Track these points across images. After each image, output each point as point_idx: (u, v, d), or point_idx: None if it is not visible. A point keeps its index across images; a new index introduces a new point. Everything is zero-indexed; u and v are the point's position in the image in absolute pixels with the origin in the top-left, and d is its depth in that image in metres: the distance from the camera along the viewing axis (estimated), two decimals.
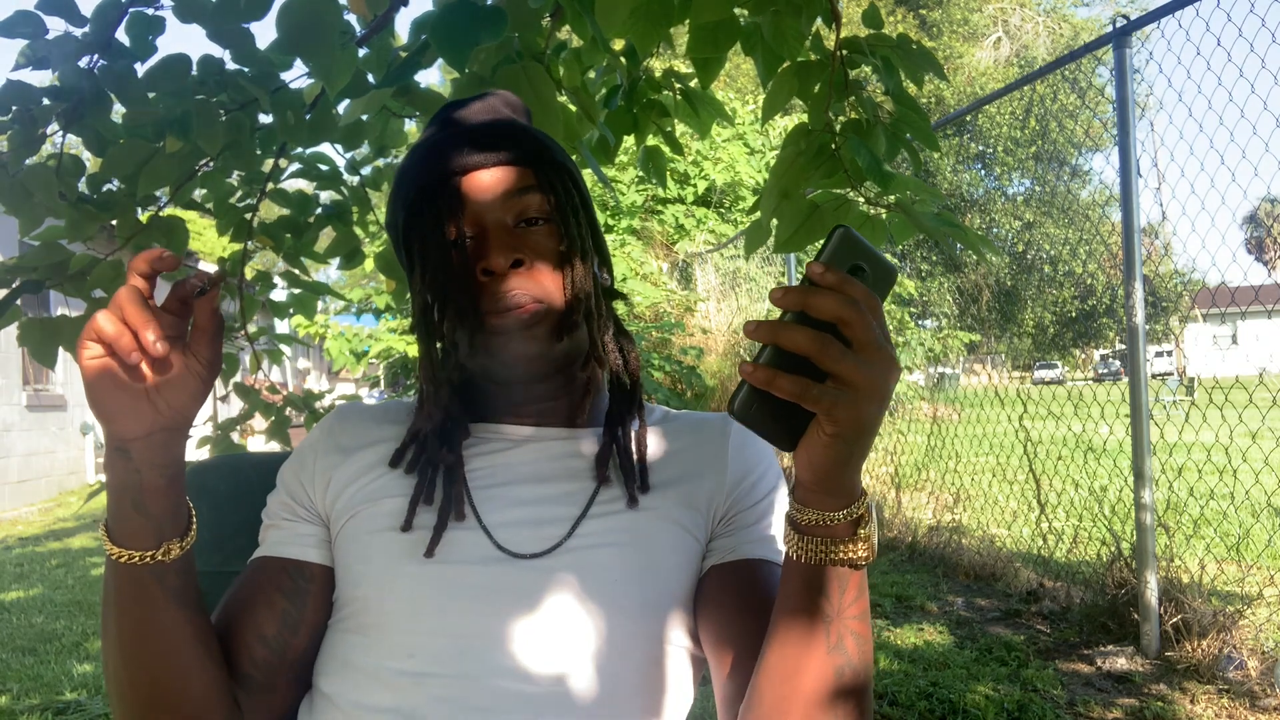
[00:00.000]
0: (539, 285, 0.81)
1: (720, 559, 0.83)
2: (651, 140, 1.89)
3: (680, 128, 1.96)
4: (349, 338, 9.48)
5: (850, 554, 0.65)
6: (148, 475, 0.69)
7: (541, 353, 0.81)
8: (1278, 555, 4.65)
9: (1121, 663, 3.27)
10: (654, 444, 0.90)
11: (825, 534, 0.65)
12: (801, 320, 0.59)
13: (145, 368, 0.66)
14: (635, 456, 0.86)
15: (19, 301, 1.48)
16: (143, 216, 1.61)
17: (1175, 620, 3.27)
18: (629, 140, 1.89)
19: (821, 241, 1.36)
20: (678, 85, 1.81)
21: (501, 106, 0.92)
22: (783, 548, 0.70)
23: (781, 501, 0.87)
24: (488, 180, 0.82)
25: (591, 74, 1.81)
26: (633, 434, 0.88)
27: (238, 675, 0.81)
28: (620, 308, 0.97)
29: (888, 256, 0.62)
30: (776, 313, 0.61)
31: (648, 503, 0.84)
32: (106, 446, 0.69)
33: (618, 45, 1.70)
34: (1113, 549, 3.70)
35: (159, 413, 0.68)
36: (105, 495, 0.72)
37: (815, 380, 0.58)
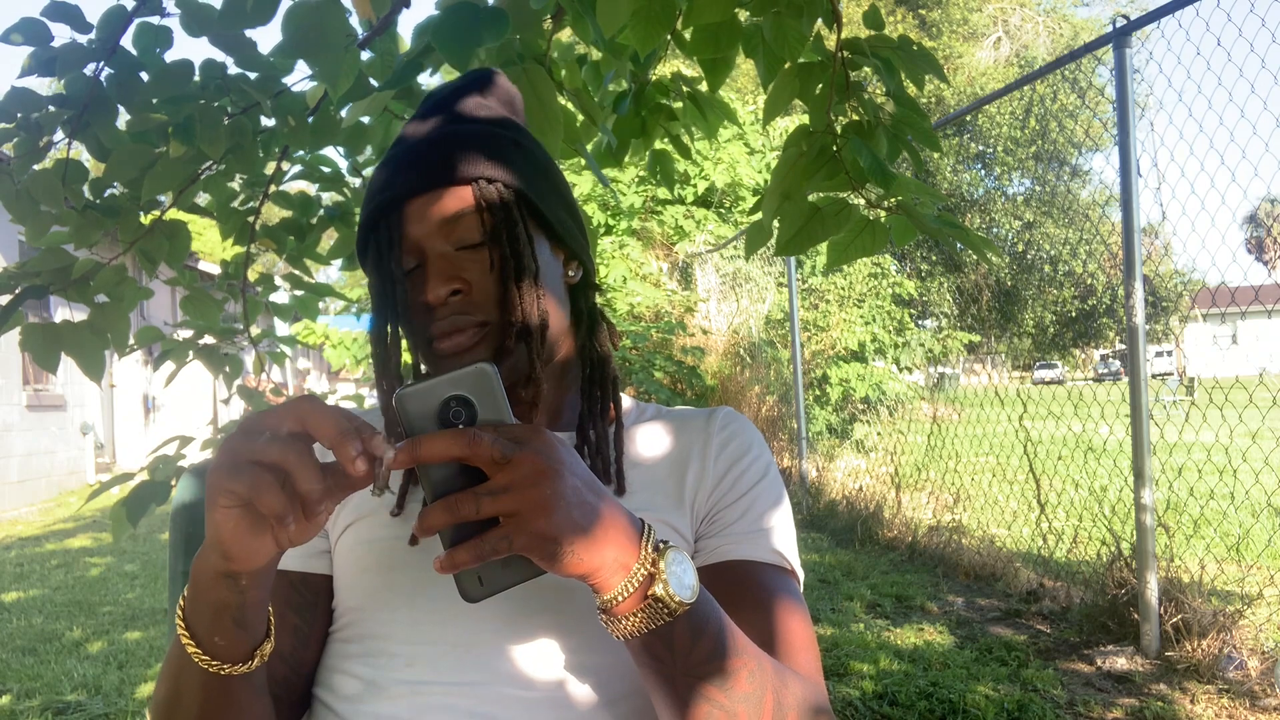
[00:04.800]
0: (480, 309, 0.80)
1: (705, 560, 0.83)
2: (659, 144, 1.89)
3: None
4: (348, 345, 9.49)
5: (658, 614, 0.63)
6: (252, 593, 0.65)
7: None
8: (1278, 555, 4.66)
9: (1121, 663, 3.28)
10: (644, 442, 0.90)
11: (625, 609, 0.63)
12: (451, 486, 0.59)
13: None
14: (612, 459, 0.85)
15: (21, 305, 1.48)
16: (145, 220, 1.61)
17: (1175, 620, 3.27)
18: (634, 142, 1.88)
19: (824, 245, 1.37)
20: (685, 89, 1.80)
21: (471, 106, 0.89)
22: (770, 553, 0.69)
23: (769, 493, 0.87)
24: (424, 207, 0.81)
25: (613, 87, 1.80)
26: (610, 436, 0.87)
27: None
28: (607, 303, 0.95)
29: (465, 368, 0.61)
30: None
31: (639, 503, 0.84)
32: (210, 570, 0.63)
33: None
34: (1113, 549, 3.70)
35: (280, 544, 0.61)
36: (190, 587, 0.65)
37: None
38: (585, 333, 0.90)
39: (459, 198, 0.81)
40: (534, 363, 0.82)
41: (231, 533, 0.59)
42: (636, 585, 0.62)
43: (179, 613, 0.67)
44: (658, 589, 0.62)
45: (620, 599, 0.62)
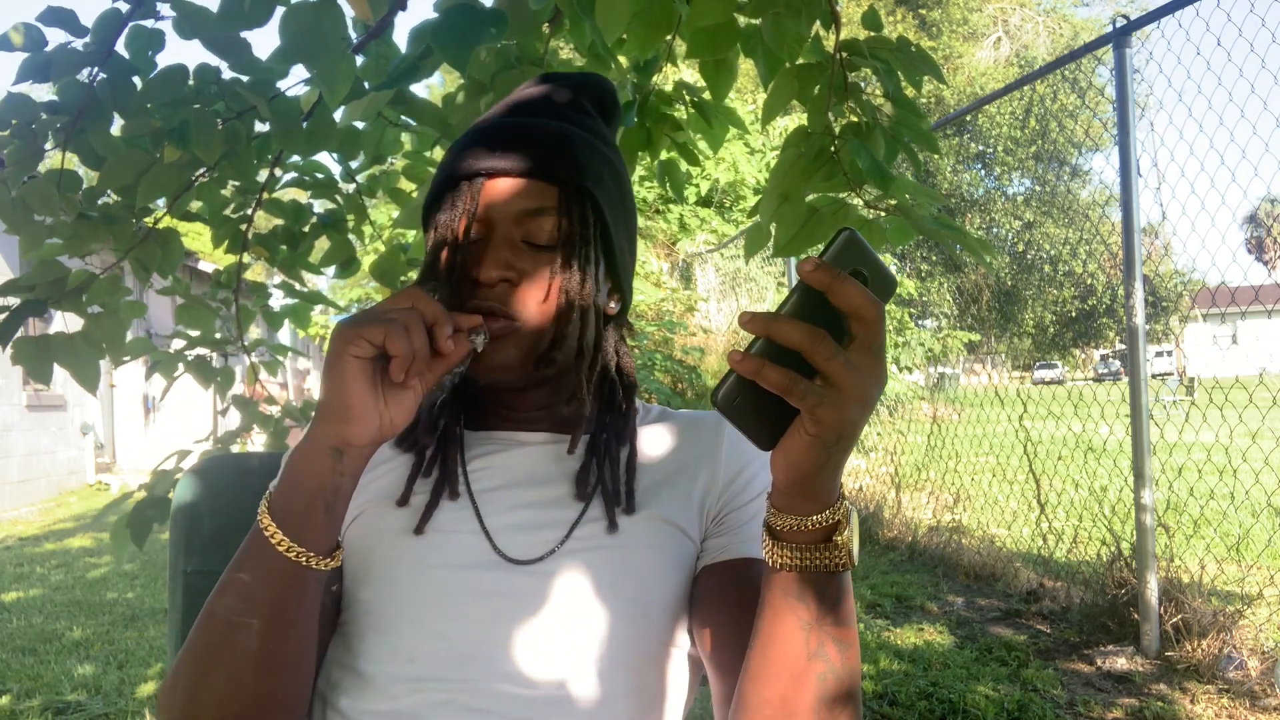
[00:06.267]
0: (522, 306, 0.80)
1: (713, 559, 0.83)
2: (666, 154, 1.88)
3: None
4: None
5: (826, 560, 0.64)
6: (346, 481, 0.71)
7: (504, 365, 0.81)
8: (1278, 555, 4.65)
9: (1121, 663, 3.28)
10: (649, 444, 0.90)
11: (801, 540, 0.64)
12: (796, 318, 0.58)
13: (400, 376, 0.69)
14: (622, 478, 0.86)
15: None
16: (147, 222, 1.61)
17: (1175, 620, 3.27)
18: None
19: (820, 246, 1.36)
20: (689, 98, 1.79)
21: (585, 108, 0.90)
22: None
23: None
24: (507, 189, 0.82)
25: None
26: (623, 457, 0.87)
27: None
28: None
29: (889, 267, 0.62)
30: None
31: (642, 504, 0.85)
32: (318, 447, 0.69)
33: (626, 62, 1.69)
34: (1113, 549, 3.70)
35: (382, 423, 0.70)
36: (286, 486, 0.70)
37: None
38: (612, 360, 0.91)
39: (545, 194, 0.82)
40: (584, 382, 0.84)
41: (355, 385, 0.67)
42: (828, 523, 0.64)
43: (264, 509, 0.71)
44: (842, 536, 0.64)
45: (808, 526, 0.63)
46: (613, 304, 0.89)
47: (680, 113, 1.80)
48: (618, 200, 0.87)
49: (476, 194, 0.82)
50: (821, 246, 0.60)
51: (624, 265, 0.89)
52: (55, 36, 1.33)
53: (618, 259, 0.87)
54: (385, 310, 0.69)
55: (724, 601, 0.80)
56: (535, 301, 0.81)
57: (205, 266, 11.66)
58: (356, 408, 0.68)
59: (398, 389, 0.70)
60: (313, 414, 0.71)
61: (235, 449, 1.96)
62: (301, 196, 1.98)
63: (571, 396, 0.87)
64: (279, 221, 1.92)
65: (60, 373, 1.45)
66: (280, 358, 2.03)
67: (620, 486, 0.85)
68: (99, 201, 1.56)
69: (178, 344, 1.87)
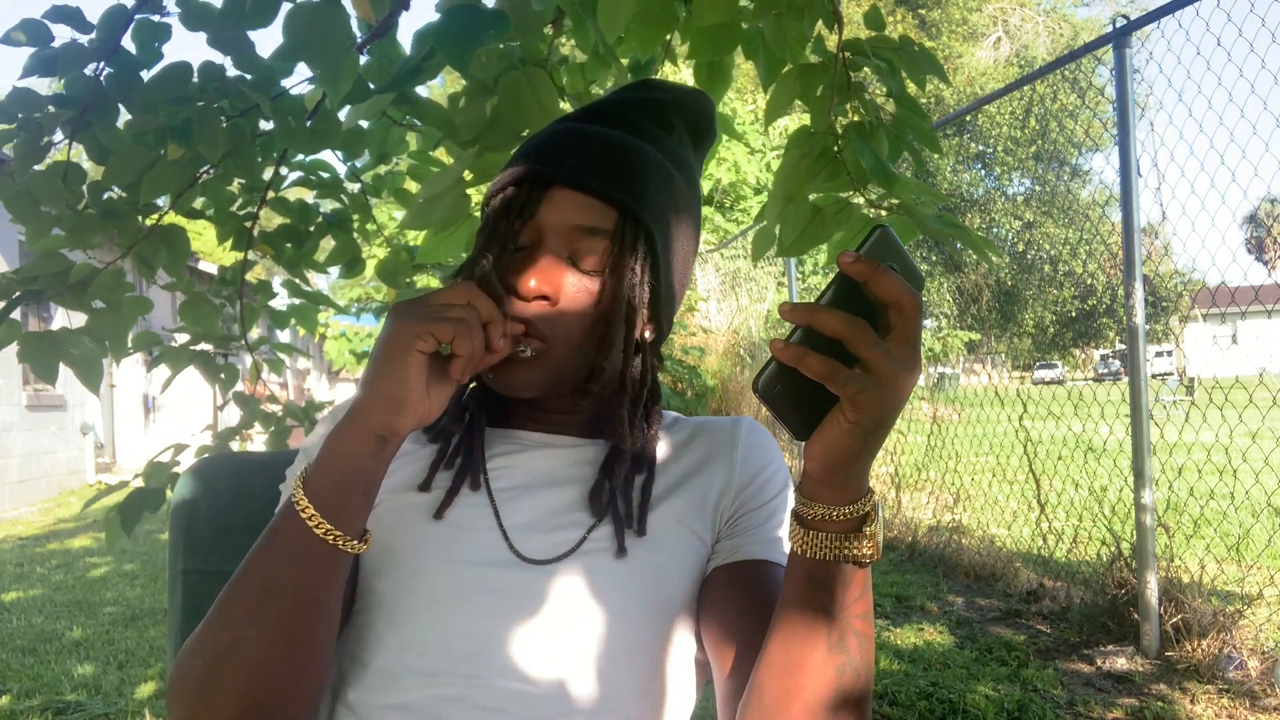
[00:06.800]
0: (555, 330, 0.79)
1: (724, 559, 0.84)
2: None
3: None
4: (349, 338, 9.47)
5: (855, 551, 0.65)
6: (382, 468, 0.72)
7: (524, 385, 0.81)
8: (1278, 555, 4.66)
9: (1121, 663, 3.28)
10: (662, 449, 0.90)
11: (831, 529, 0.65)
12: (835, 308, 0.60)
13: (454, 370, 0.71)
14: (635, 500, 0.85)
15: (19, 314, 1.47)
16: (147, 221, 1.61)
17: (1175, 620, 3.27)
18: None
19: (823, 245, 1.37)
20: None
21: (674, 126, 0.90)
22: (788, 545, 0.70)
23: (789, 504, 0.87)
24: (566, 201, 0.80)
25: (597, 90, 1.79)
26: (638, 482, 0.86)
27: None
28: None
29: (919, 264, 0.62)
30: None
31: (655, 507, 0.85)
32: (363, 432, 0.70)
33: (624, 62, 1.69)
34: (1113, 549, 3.70)
35: (424, 411, 0.71)
36: (318, 468, 0.70)
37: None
38: (639, 388, 0.89)
39: (603, 215, 0.80)
40: (627, 418, 0.84)
41: (415, 378, 0.69)
42: (858, 514, 0.64)
43: (299, 490, 0.71)
44: (870, 528, 0.65)
45: (839, 516, 0.64)
46: (648, 333, 0.87)
47: None
48: (675, 236, 0.86)
49: (538, 198, 0.80)
50: (860, 241, 0.61)
51: (668, 301, 0.87)
52: (61, 34, 1.33)
53: (662, 294, 0.85)
54: (445, 305, 0.70)
55: (734, 601, 0.81)
56: (569, 329, 0.80)
57: (206, 267, 11.65)
58: (413, 399, 0.69)
59: (441, 382, 0.71)
60: (359, 400, 0.70)
61: (235, 446, 1.95)
62: (307, 195, 1.98)
63: (606, 425, 0.87)
64: (285, 220, 1.92)
65: (61, 372, 1.45)
66: (285, 356, 2.03)
67: (633, 509, 0.84)
68: (104, 196, 1.56)
69: (182, 338, 1.87)
